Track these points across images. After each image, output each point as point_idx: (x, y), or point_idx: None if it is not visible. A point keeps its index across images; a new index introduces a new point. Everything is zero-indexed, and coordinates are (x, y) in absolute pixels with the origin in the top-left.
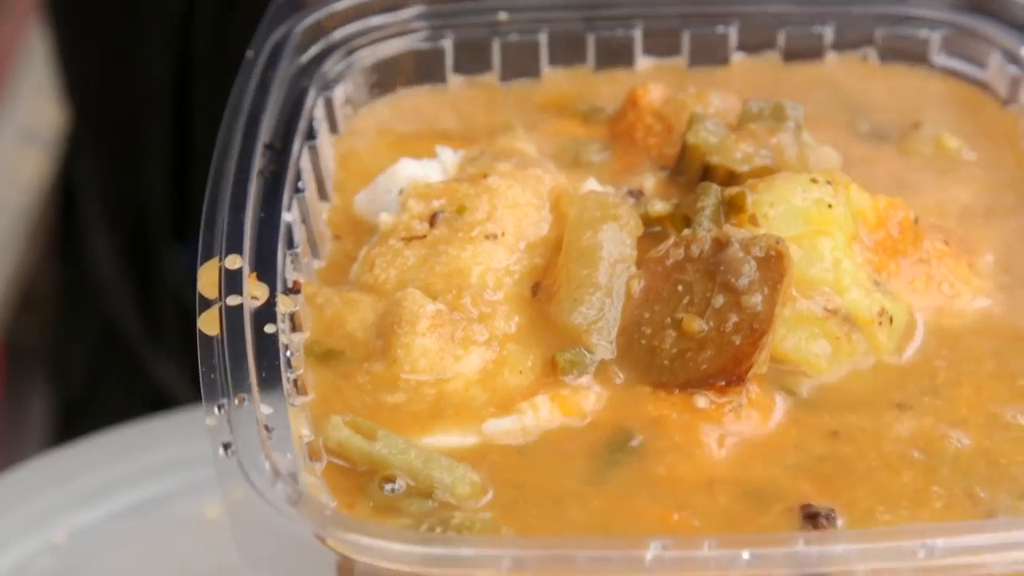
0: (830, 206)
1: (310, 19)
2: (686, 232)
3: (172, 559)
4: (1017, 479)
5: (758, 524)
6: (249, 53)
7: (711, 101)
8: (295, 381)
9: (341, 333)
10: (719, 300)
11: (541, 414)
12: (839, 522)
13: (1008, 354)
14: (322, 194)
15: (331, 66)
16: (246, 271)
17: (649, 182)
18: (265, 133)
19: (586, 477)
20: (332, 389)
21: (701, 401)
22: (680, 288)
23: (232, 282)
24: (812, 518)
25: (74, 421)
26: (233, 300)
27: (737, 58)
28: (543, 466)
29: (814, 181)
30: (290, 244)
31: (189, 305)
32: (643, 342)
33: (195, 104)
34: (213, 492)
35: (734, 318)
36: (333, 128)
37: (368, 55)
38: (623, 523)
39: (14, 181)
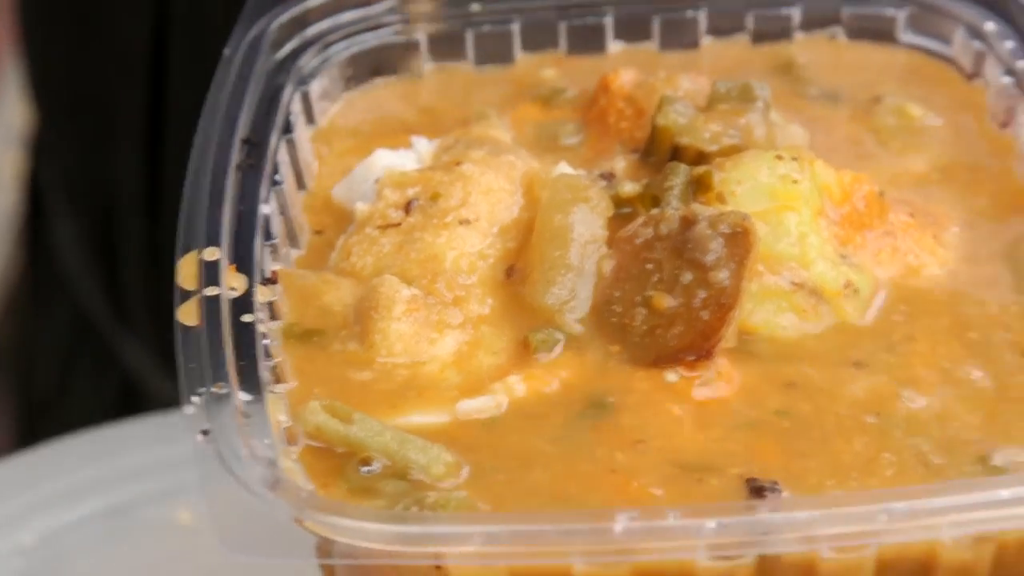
0: (795, 182)
1: (285, 16)
2: (654, 211)
3: (143, 563)
4: (969, 443)
5: (710, 488)
6: (226, 51)
7: (681, 84)
8: (274, 368)
9: (319, 305)
10: (687, 277)
11: (515, 394)
12: (783, 494)
13: (963, 310)
14: (300, 185)
15: (307, 61)
16: (225, 263)
17: (620, 165)
18: (243, 128)
19: (553, 440)
20: (310, 369)
21: (671, 376)
22: (650, 266)
23: (210, 274)
24: (758, 492)
25: (45, 411)
26: (211, 291)
27: (707, 41)
28: (512, 432)
29: (779, 158)
30: (269, 236)
31: None
32: (614, 320)
33: (172, 72)
34: (186, 497)
35: (702, 294)
36: (311, 121)
37: (343, 49)
38: (585, 490)
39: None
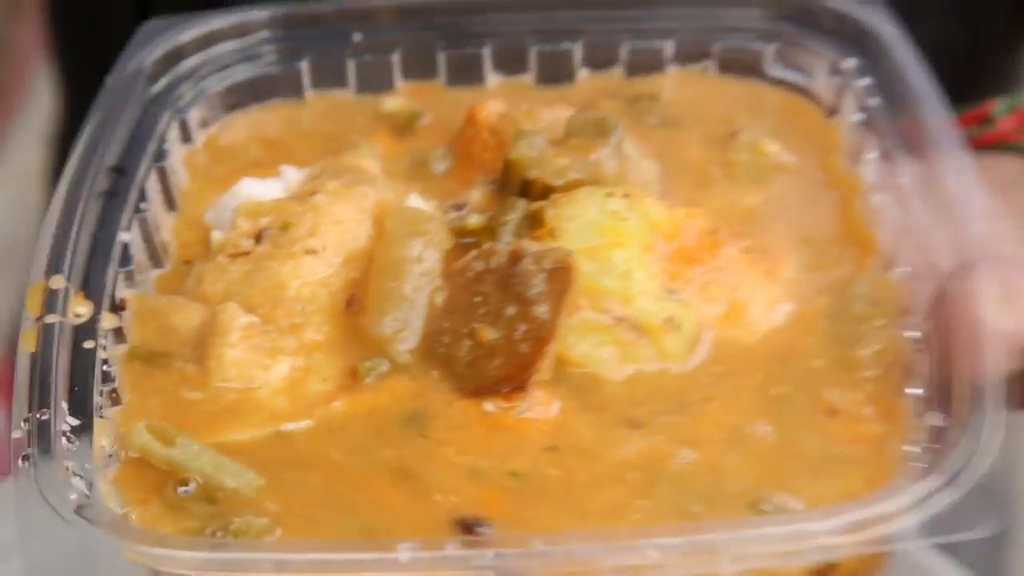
0: (623, 219)
1: (161, 49)
2: (486, 246)
3: None
4: (737, 496)
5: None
6: (108, 80)
7: (542, 116)
8: (111, 392)
9: (166, 326)
10: (511, 310)
11: (335, 416)
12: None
13: (773, 365)
14: (172, 209)
15: (184, 92)
16: (71, 291)
17: (476, 195)
18: (112, 157)
19: (344, 451)
20: (147, 388)
21: (489, 406)
22: (478, 299)
23: (54, 301)
24: (467, 528)
25: None
26: (52, 319)
27: (583, 74)
28: (314, 445)
29: (610, 195)
30: (128, 263)
31: None
32: (442, 350)
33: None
34: None
35: (523, 327)
36: (186, 148)
37: (219, 80)
38: (350, 490)
39: (33, 180)
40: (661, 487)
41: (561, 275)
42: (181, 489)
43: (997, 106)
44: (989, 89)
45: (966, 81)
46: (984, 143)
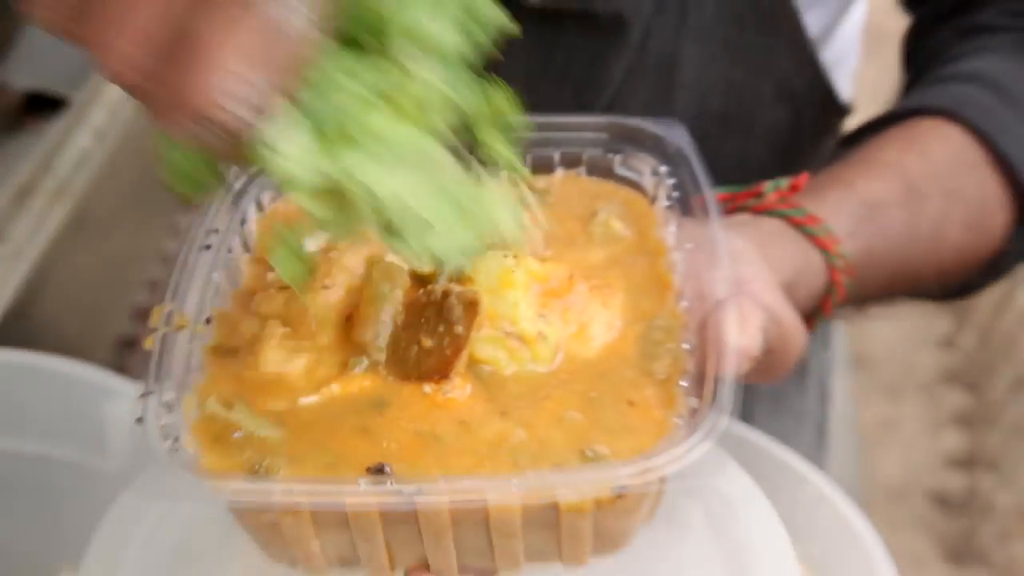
0: (512, 271)
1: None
2: (429, 286)
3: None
4: (557, 454)
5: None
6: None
7: None
8: (201, 374)
9: (237, 331)
10: (441, 328)
11: (332, 394)
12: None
13: (596, 379)
14: (247, 252)
15: (256, 185)
16: (177, 311)
17: None
18: (214, 225)
19: (337, 423)
20: (222, 368)
21: (427, 388)
22: (423, 320)
23: (166, 318)
24: (376, 471)
25: None
26: (164, 329)
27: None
28: (321, 418)
29: (505, 256)
30: (217, 292)
31: None
32: (399, 353)
33: None
34: None
35: (447, 339)
36: (258, 217)
37: None
38: (345, 449)
39: None
40: (500, 455)
41: (472, 306)
42: (235, 434)
43: (767, 187)
44: (806, 159)
45: (790, 150)
46: (756, 210)
